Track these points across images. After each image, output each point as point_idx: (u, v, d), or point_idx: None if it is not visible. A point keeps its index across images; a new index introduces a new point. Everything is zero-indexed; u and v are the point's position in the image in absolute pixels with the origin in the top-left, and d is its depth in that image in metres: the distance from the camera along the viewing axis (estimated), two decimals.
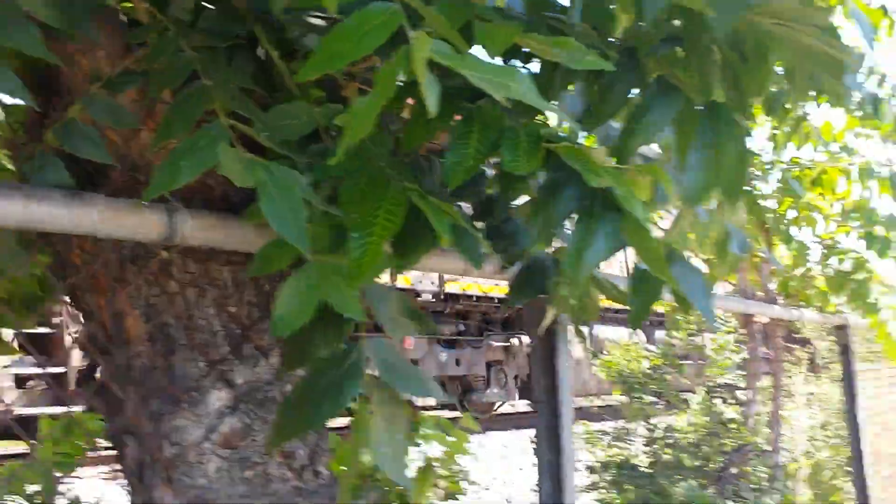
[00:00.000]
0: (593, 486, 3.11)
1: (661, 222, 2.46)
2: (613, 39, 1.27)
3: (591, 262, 1.05)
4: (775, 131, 3.58)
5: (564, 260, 1.04)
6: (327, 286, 1.07)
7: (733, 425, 3.17)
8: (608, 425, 4.09)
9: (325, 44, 0.85)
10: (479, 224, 1.46)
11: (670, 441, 3.10)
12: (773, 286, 4.05)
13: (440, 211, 1.06)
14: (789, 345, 6.48)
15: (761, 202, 3.99)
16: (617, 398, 3.90)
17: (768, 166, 3.90)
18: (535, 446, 1.86)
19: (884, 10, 3.34)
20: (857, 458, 4.28)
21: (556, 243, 1.43)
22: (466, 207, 1.46)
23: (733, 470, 3.15)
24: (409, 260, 1.21)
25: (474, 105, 1.11)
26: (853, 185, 3.69)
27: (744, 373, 4.11)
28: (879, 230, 3.97)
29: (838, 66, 1.20)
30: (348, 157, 1.01)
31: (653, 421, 3.38)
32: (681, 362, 3.74)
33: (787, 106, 3.48)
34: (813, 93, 2.52)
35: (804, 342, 6.32)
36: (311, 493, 1.36)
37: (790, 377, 4.91)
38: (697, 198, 1.12)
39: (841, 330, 4.35)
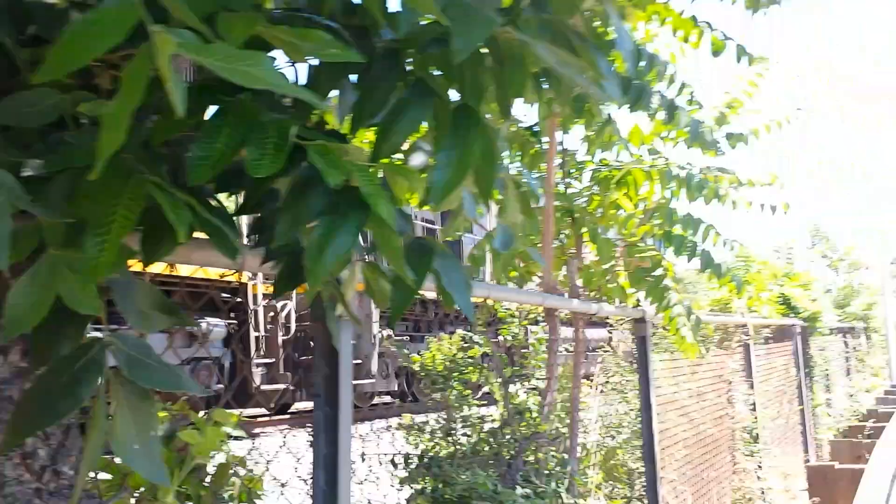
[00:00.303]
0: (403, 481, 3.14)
1: None
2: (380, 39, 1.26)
3: (332, 259, 1.05)
4: (590, 134, 3.74)
5: (306, 256, 1.03)
6: (61, 282, 1.03)
7: (528, 415, 3.28)
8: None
9: (61, 43, 0.81)
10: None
11: (469, 432, 3.18)
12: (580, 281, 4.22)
13: (178, 204, 1.03)
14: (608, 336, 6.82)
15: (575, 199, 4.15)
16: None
17: (580, 166, 4.06)
18: (310, 439, 1.84)
19: (694, 20, 3.54)
20: (648, 443, 4.55)
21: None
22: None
23: (531, 457, 3.26)
24: (155, 253, 1.18)
25: (233, 98, 1.07)
26: (655, 186, 3.90)
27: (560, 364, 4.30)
28: (678, 229, 4.23)
29: (587, 74, 1.25)
30: (88, 149, 0.96)
31: (469, 412, 3.47)
32: (501, 354, 3.84)
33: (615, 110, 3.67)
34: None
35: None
36: (51, 495, 1.29)
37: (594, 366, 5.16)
38: (442, 195, 1.13)
39: (639, 322, 4.62)
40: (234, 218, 1.23)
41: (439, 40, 1.23)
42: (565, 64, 1.20)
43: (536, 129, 3.82)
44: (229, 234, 1.07)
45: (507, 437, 3.13)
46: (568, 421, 3.84)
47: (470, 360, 3.40)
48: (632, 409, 5.33)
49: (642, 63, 3.00)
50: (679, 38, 3.49)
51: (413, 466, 3.03)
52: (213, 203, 1.16)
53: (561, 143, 3.96)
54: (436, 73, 1.35)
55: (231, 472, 2.15)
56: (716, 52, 3.48)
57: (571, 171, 4.11)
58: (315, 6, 1.22)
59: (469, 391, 3.42)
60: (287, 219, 1.08)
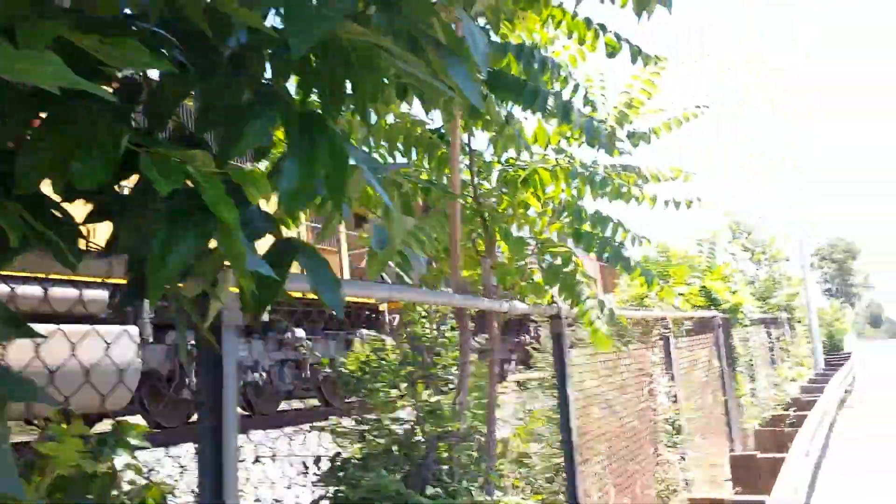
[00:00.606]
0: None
1: None
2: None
3: (174, 266, 1.05)
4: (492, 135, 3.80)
5: (147, 264, 1.03)
6: None
7: (441, 414, 3.31)
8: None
9: None
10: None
11: (381, 433, 3.19)
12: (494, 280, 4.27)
13: (10, 216, 1.02)
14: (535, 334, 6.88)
15: (485, 200, 4.21)
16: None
17: (488, 167, 4.12)
18: (196, 447, 1.84)
19: (588, 22, 3.63)
20: (566, 437, 4.64)
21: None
22: None
23: (446, 455, 3.28)
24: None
25: (63, 106, 1.07)
26: (560, 185, 3.98)
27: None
28: (588, 227, 4.33)
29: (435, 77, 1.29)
30: None
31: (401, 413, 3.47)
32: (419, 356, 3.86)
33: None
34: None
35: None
36: None
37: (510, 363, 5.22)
38: (289, 202, 1.15)
39: (555, 319, 4.70)
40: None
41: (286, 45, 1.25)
42: (415, 67, 1.23)
43: (443, 131, 3.87)
44: (56, 243, 1.06)
45: (418, 437, 3.15)
46: (484, 419, 3.88)
47: (384, 362, 3.41)
48: (552, 405, 5.41)
49: (535, 65, 3.06)
50: (575, 41, 3.58)
51: (324, 469, 3.04)
52: (58, 212, 1.15)
53: (468, 145, 4.01)
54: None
55: (127, 483, 2.13)
56: (611, 54, 3.57)
57: (479, 171, 4.16)
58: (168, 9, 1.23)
59: (382, 392, 3.43)
60: (127, 226, 1.08)
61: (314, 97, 1.48)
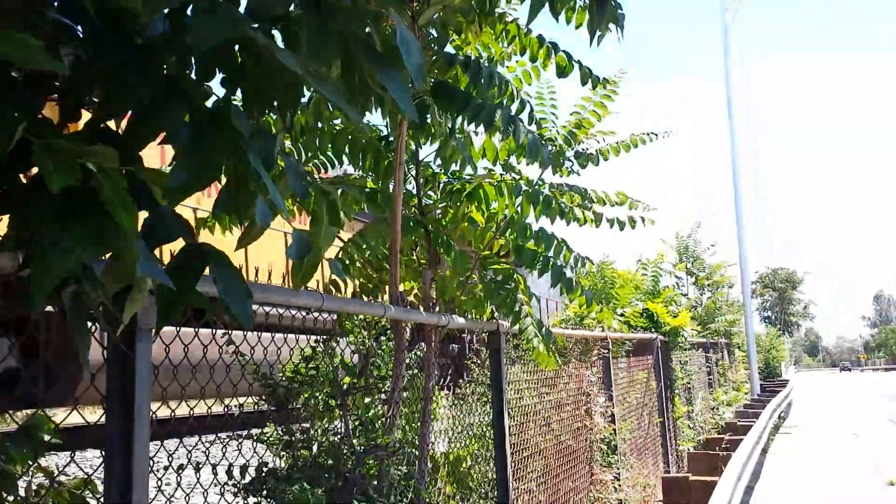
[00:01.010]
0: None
1: None
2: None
3: (56, 272, 1.00)
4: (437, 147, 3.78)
5: (31, 265, 0.97)
6: None
7: (371, 426, 3.26)
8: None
9: None
10: None
11: (309, 443, 3.13)
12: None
13: None
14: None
15: (429, 211, 4.17)
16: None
17: (433, 179, 4.09)
18: (103, 453, 1.76)
19: (540, 39, 3.63)
20: (500, 454, 4.62)
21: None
22: None
23: (374, 471, 3.22)
24: None
25: None
26: (504, 201, 3.96)
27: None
28: (532, 244, 4.31)
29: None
30: None
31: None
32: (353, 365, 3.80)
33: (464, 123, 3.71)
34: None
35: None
36: None
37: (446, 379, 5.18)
38: (177, 198, 1.10)
39: (493, 335, 4.68)
40: None
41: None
42: (318, 76, 1.19)
43: (391, 140, 3.83)
44: None
45: (347, 449, 3.09)
46: (418, 433, 3.84)
47: (313, 372, 3.34)
48: (488, 421, 5.39)
49: (482, 79, 3.04)
50: (528, 59, 3.58)
51: (247, 479, 2.96)
52: None
53: (416, 155, 3.98)
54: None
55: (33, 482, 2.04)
56: (561, 74, 3.57)
57: (426, 182, 4.13)
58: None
59: (312, 401, 3.36)
60: (13, 224, 1.02)
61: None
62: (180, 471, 3.12)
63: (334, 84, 1.26)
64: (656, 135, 4.47)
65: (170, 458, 2.47)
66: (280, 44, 1.46)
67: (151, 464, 1.99)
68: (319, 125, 3.66)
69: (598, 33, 2.73)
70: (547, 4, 2.38)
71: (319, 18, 1.35)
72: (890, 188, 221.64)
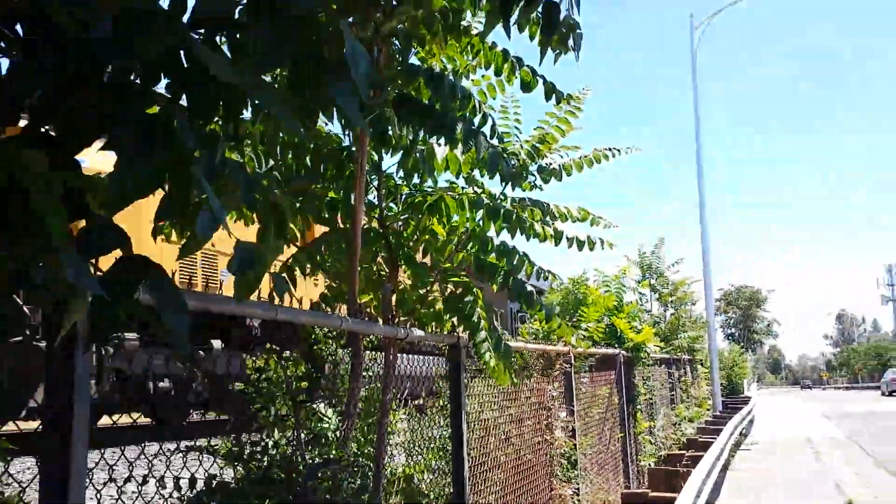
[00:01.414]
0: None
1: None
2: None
3: None
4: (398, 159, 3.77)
5: None
6: None
7: (325, 440, 3.23)
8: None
9: None
10: None
11: (261, 456, 3.09)
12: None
13: None
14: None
15: (391, 223, 4.15)
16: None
17: (395, 190, 4.07)
18: (39, 466, 1.72)
19: (505, 54, 3.63)
20: (457, 469, 4.59)
21: None
22: None
23: (325, 484, 3.19)
24: None
25: None
26: (465, 214, 3.96)
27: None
28: (494, 258, 4.31)
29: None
30: None
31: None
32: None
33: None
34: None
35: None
36: None
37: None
38: (116, 204, 1.08)
39: (453, 348, 4.67)
40: None
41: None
42: (262, 87, 1.17)
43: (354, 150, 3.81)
44: None
45: (299, 463, 3.06)
46: (374, 447, 3.81)
47: (264, 383, 3.30)
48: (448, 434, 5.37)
49: (444, 91, 3.04)
50: (493, 72, 3.58)
51: (193, 492, 2.91)
52: None
53: (378, 166, 3.96)
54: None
55: None
56: (525, 88, 3.58)
57: (389, 194, 4.11)
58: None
59: (265, 412, 3.32)
60: None
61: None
62: (124, 484, 3.05)
63: (276, 94, 1.24)
64: (619, 150, 4.50)
65: (110, 471, 2.43)
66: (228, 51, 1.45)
67: (91, 475, 1.95)
68: (281, 135, 3.63)
69: (559, 52, 2.75)
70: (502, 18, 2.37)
71: (270, 28, 1.34)
72: (854, 209, 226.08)
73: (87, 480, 1.82)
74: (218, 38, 1.47)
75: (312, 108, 1.67)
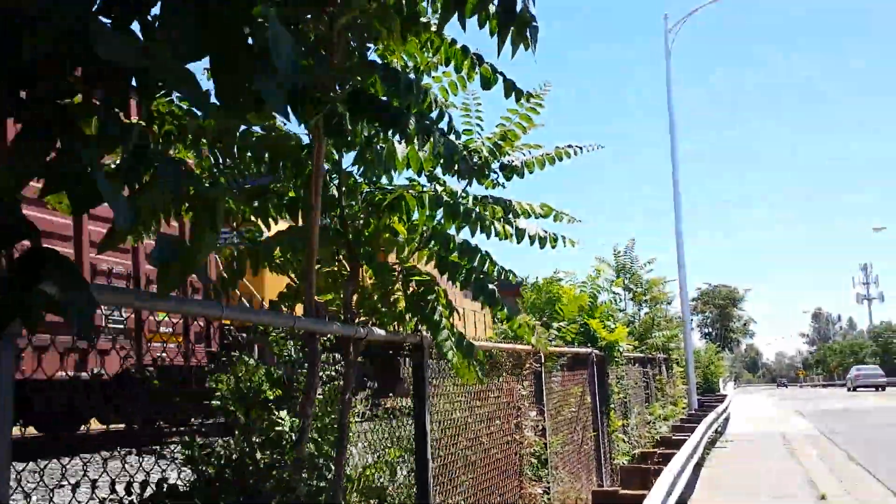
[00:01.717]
0: None
1: None
2: None
3: None
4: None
5: None
6: None
7: (281, 441, 3.18)
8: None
9: None
10: None
11: (213, 459, 3.04)
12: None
13: None
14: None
15: (351, 222, 4.10)
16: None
17: (354, 188, 4.02)
18: None
19: (465, 50, 3.60)
20: (421, 470, 4.55)
21: None
22: None
23: (279, 485, 3.14)
24: None
25: None
26: (425, 212, 3.92)
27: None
28: (455, 256, 4.27)
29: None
30: None
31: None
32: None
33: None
34: None
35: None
36: None
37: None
38: (9, 192, 1.04)
39: (416, 349, 4.63)
40: None
41: None
42: (179, 73, 1.13)
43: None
44: None
45: (251, 465, 3.00)
46: (334, 448, 3.76)
47: (216, 384, 3.25)
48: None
49: (400, 87, 3.00)
50: (453, 69, 3.55)
51: (145, 496, 2.85)
52: None
53: (338, 164, 3.91)
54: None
55: None
56: (486, 85, 3.55)
57: (349, 192, 4.06)
58: None
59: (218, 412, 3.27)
60: None
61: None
62: (75, 489, 2.99)
63: (188, 75, 1.20)
64: (581, 147, 4.47)
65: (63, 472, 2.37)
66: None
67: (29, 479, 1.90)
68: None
69: (516, 46, 2.72)
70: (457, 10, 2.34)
71: (185, 15, 1.29)
72: (832, 205, 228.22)
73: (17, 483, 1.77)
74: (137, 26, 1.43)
75: (242, 99, 1.62)
